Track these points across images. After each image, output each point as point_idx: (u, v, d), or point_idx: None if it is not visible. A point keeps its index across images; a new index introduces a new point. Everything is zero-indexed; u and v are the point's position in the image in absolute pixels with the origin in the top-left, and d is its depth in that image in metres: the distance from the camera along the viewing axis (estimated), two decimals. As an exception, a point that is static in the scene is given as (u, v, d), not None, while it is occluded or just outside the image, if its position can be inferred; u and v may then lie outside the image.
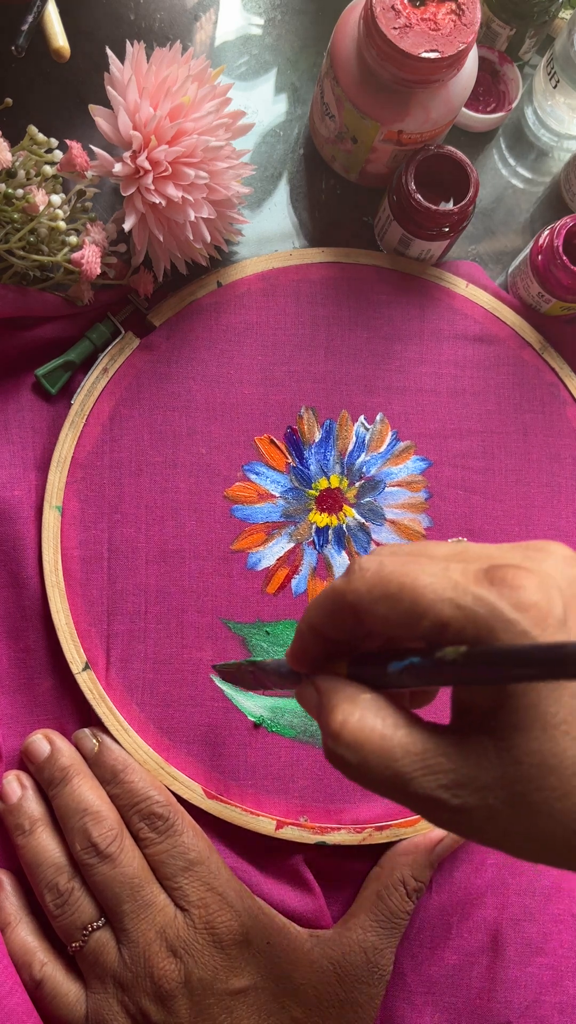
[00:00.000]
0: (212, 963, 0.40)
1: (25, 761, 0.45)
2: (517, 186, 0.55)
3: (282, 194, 0.53)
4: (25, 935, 0.43)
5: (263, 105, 0.54)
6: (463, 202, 0.47)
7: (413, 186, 0.46)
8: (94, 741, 0.45)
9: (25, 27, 0.44)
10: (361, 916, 0.44)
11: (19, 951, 0.42)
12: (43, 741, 0.45)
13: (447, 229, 0.48)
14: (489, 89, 0.54)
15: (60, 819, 0.43)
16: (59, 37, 0.45)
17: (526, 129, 0.56)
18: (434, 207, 0.47)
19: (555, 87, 0.52)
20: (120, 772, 0.44)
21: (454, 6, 0.43)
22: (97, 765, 0.45)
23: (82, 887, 0.42)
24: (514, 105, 0.53)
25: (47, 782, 0.44)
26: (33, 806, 0.44)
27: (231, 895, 0.42)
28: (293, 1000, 0.41)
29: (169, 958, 0.40)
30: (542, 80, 0.53)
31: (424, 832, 0.46)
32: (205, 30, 0.54)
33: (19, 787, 0.44)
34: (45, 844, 0.43)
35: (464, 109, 0.50)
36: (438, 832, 0.46)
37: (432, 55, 0.42)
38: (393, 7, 0.42)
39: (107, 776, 0.44)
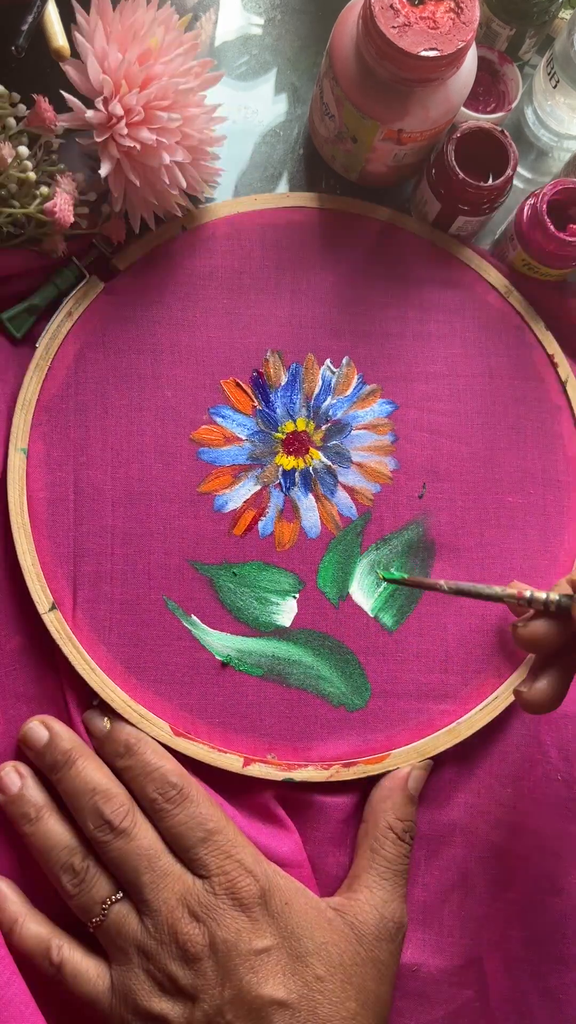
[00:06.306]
0: (235, 925, 0.41)
1: (24, 748, 0.45)
2: (517, 186, 0.55)
3: (283, 195, 0.53)
4: (36, 927, 0.43)
5: (263, 105, 0.54)
6: (502, 178, 0.47)
7: (455, 163, 0.47)
8: (105, 720, 0.46)
9: (25, 27, 0.44)
10: (363, 876, 0.45)
11: (33, 942, 0.42)
12: (40, 727, 0.45)
13: (485, 206, 0.48)
14: (489, 89, 0.53)
15: (68, 801, 0.44)
16: (59, 37, 0.45)
17: (526, 129, 0.55)
18: (479, 183, 0.47)
19: (555, 87, 0.51)
20: (133, 745, 0.44)
21: (452, 5, 0.42)
22: (110, 741, 0.45)
23: (97, 864, 0.43)
24: (514, 105, 0.52)
25: (50, 767, 0.44)
26: (36, 793, 0.44)
27: (249, 860, 0.42)
28: (316, 959, 0.41)
29: (193, 923, 0.41)
30: (542, 80, 0.52)
31: (392, 772, 0.46)
32: (205, 30, 0.54)
33: (18, 777, 0.44)
34: (54, 828, 0.43)
35: (464, 109, 0.50)
36: (403, 769, 0.46)
37: (431, 53, 0.42)
38: (392, 6, 0.42)
39: (119, 751, 0.45)
